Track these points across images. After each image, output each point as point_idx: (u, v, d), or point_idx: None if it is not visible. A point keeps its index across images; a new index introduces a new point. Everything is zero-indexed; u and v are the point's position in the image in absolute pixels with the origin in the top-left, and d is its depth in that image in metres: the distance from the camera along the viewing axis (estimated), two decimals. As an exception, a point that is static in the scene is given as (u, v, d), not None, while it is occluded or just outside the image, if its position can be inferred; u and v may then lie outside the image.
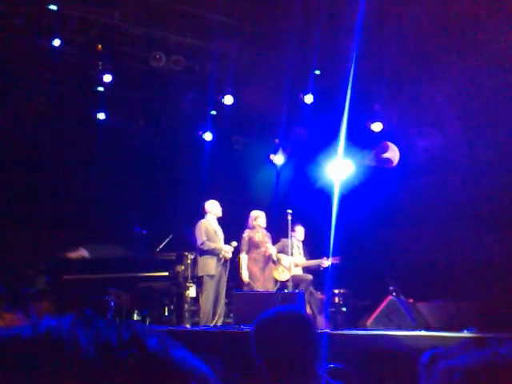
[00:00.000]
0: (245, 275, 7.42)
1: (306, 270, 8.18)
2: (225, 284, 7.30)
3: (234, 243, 7.34)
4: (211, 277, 7.15)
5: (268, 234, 7.67)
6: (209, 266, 7.18)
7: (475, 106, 7.67)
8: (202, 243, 7.17)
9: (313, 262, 8.18)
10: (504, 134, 7.28)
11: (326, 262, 8.00)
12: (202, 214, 7.57)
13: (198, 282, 7.49)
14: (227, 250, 7.24)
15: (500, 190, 6.89)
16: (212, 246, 7.20)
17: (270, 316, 2.04)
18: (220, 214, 7.49)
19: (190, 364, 0.62)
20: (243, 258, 7.52)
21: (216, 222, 7.47)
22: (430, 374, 0.95)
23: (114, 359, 0.58)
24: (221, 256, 7.25)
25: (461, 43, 7.25)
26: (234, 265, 7.58)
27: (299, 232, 8.18)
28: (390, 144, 8.62)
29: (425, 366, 1.25)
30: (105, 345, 0.59)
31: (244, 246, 7.56)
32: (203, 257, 7.23)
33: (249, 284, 7.42)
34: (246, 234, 7.60)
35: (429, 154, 8.30)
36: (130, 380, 0.57)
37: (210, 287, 7.11)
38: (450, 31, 7.15)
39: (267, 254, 7.58)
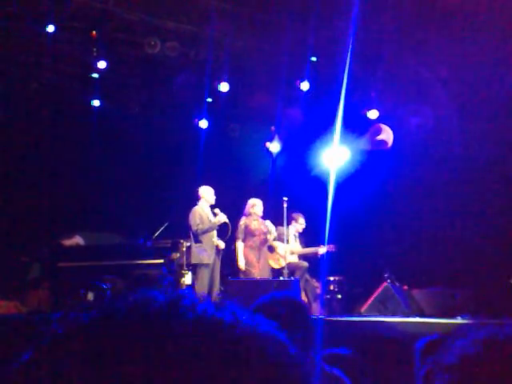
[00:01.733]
0: (241, 263, 7.43)
1: (302, 257, 8.21)
2: (218, 271, 7.32)
3: (217, 210, 7.34)
4: (206, 265, 7.16)
5: (264, 222, 7.65)
6: (203, 255, 7.18)
7: (469, 88, 7.66)
8: (197, 228, 7.18)
9: (309, 250, 8.20)
10: (497, 113, 7.28)
11: (322, 250, 8.02)
12: (196, 201, 7.56)
13: (194, 269, 7.51)
14: (220, 218, 7.25)
15: (495, 172, 6.90)
16: (205, 227, 7.22)
17: (264, 302, 2.05)
18: (213, 202, 7.48)
19: (264, 330, 0.63)
20: (239, 245, 7.53)
21: (209, 209, 7.46)
22: (428, 359, 0.95)
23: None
24: (214, 243, 7.27)
25: (456, 26, 7.22)
26: (228, 252, 7.59)
27: (301, 223, 8.18)
28: (383, 126, 8.60)
29: (419, 351, 1.25)
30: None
31: (240, 234, 7.56)
32: (197, 245, 7.23)
33: (245, 272, 7.44)
34: (243, 221, 7.61)
35: (422, 134, 8.28)
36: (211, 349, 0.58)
37: (204, 275, 7.13)
38: (446, 15, 7.11)
39: (262, 239, 7.60)
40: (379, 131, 8.58)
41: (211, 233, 7.31)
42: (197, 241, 7.25)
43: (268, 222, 7.67)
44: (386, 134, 8.52)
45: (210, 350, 0.58)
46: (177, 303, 0.62)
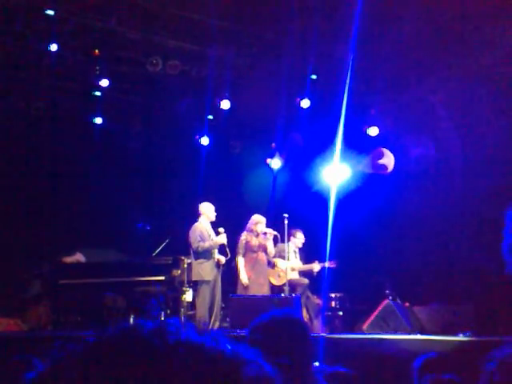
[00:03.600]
0: (244, 278, 7.39)
1: (303, 273, 8.19)
2: (220, 288, 7.31)
3: (221, 229, 7.34)
4: (207, 282, 7.15)
5: (265, 239, 7.62)
6: (204, 271, 7.18)
7: (470, 115, 7.70)
8: (197, 246, 7.18)
9: (305, 267, 8.18)
10: (498, 142, 7.31)
11: (317, 267, 8.02)
12: (197, 217, 7.57)
13: (195, 286, 7.50)
14: (221, 239, 7.24)
15: (494, 196, 6.92)
16: (206, 245, 7.21)
17: (264, 320, 2.05)
18: (213, 218, 7.48)
19: (242, 355, 0.69)
20: (240, 260, 7.51)
21: (209, 225, 7.46)
22: (427, 377, 0.97)
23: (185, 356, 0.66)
24: (215, 260, 7.27)
25: (457, 51, 7.28)
26: (228, 268, 7.58)
27: (300, 239, 8.18)
28: (385, 150, 8.66)
29: (417, 370, 1.27)
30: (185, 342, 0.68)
31: (241, 249, 7.55)
32: (198, 261, 7.22)
33: (244, 288, 7.41)
34: (244, 236, 7.59)
35: (423, 161, 8.33)
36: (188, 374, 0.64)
37: (205, 292, 7.11)
38: (447, 38, 7.18)
39: (262, 255, 7.58)
40: (381, 155, 8.63)
41: (213, 250, 7.30)
42: (197, 257, 7.24)
43: (270, 230, 7.62)
44: (388, 159, 8.58)
45: (189, 372, 0.63)
46: (162, 330, 0.68)
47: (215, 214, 7.52)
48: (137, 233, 9.56)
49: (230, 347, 0.69)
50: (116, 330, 0.69)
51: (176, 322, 0.70)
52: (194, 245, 7.20)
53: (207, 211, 7.48)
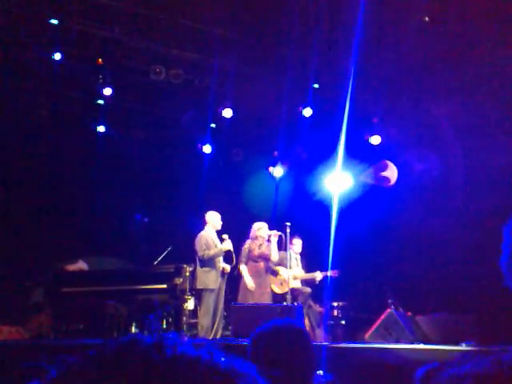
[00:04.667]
0: (249, 282, 7.38)
1: (305, 282, 8.17)
2: (223, 296, 7.30)
3: (225, 236, 7.35)
4: (211, 290, 7.15)
5: (269, 245, 7.60)
6: (209, 280, 7.17)
7: (474, 129, 7.71)
8: (203, 254, 7.19)
9: (308, 276, 8.17)
10: (502, 155, 7.31)
11: (319, 276, 8.00)
12: (201, 226, 7.58)
13: (197, 294, 7.48)
14: (227, 245, 7.25)
15: (496, 209, 6.92)
16: (211, 252, 7.21)
17: (266, 330, 2.05)
18: (219, 227, 7.48)
19: (237, 368, 0.71)
20: (243, 268, 7.50)
21: (215, 234, 7.47)
22: None
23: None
24: (220, 268, 7.26)
25: (460, 60, 7.30)
26: (230, 276, 7.58)
27: (297, 244, 8.17)
28: (388, 163, 8.67)
29: (419, 380, 1.26)
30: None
31: (243, 258, 7.54)
32: (203, 269, 7.22)
33: (246, 296, 7.40)
34: (247, 245, 7.59)
35: (426, 175, 8.34)
36: None
37: (209, 300, 7.10)
38: (453, 50, 7.19)
39: (264, 264, 7.57)
40: (385, 167, 8.65)
41: (218, 259, 7.31)
42: (203, 265, 7.24)
43: (274, 232, 7.59)
44: (391, 172, 8.59)
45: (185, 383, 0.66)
46: (160, 344, 0.71)
47: (221, 222, 7.52)
48: (138, 240, 9.57)
49: (224, 360, 0.71)
50: (116, 344, 0.71)
51: (173, 336, 0.73)
52: (200, 253, 7.20)
53: (213, 220, 7.49)
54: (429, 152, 8.39)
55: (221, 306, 7.24)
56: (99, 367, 0.68)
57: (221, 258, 7.35)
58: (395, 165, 8.65)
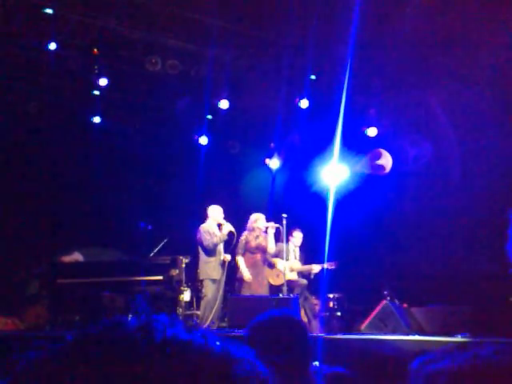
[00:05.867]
0: (246, 273, 7.40)
1: (301, 274, 8.19)
2: (223, 287, 7.34)
3: (223, 221, 7.37)
4: (213, 280, 7.18)
5: (266, 236, 7.60)
6: (211, 270, 7.22)
7: (469, 116, 7.71)
8: (208, 243, 7.21)
9: (305, 268, 8.18)
10: (496, 142, 7.32)
11: (316, 268, 8.02)
12: (197, 217, 7.59)
13: (198, 285, 7.52)
14: (228, 227, 7.27)
15: (492, 197, 6.93)
16: (215, 239, 7.25)
17: (262, 320, 2.05)
18: (220, 221, 7.47)
19: (233, 353, 0.66)
20: (240, 259, 7.53)
21: (216, 227, 7.47)
22: (417, 379, 0.96)
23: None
24: (221, 259, 7.31)
25: (457, 52, 7.29)
26: (228, 268, 7.58)
27: (297, 237, 8.18)
28: (382, 151, 8.67)
29: (415, 371, 1.26)
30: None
31: (240, 249, 7.56)
32: (205, 260, 7.24)
33: (242, 288, 7.43)
34: (244, 236, 7.60)
35: (421, 162, 8.34)
36: (178, 371, 0.62)
37: (211, 291, 7.15)
38: (447, 39, 7.18)
39: (261, 255, 7.58)
40: (379, 156, 8.64)
41: (219, 248, 7.34)
42: (206, 256, 7.27)
43: (271, 224, 7.59)
44: (385, 160, 8.58)
45: (176, 369, 0.61)
46: (147, 327, 0.65)
47: (223, 216, 7.50)
48: (135, 232, 9.54)
49: (219, 345, 0.67)
50: (99, 327, 0.66)
51: (163, 319, 0.68)
52: (205, 242, 7.23)
53: (214, 214, 7.48)
54: (423, 137, 8.39)
55: (220, 297, 7.27)
56: (79, 354, 0.63)
57: (222, 249, 7.37)
58: (389, 152, 8.65)
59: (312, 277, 8.09)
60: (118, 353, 0.62)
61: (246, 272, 7.41)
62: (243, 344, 0.71)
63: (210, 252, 7.25)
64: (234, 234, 7.35)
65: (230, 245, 7.41)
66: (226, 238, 7.32)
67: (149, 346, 0.63)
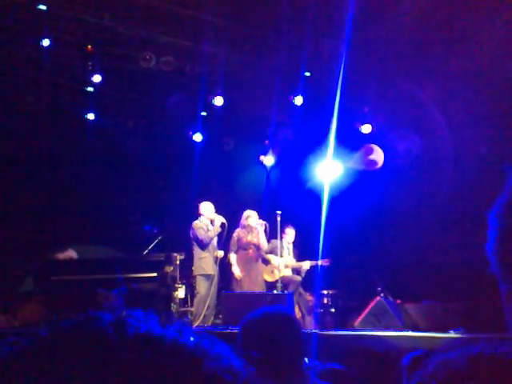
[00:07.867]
0: (236, 271, 7.45)
1: (295, 271, 8.21)
2: (216, 284, 7.36)
3: (215, 214, 7.44)
4: (207, 277, 7.20)
5: (259, 233, 7.62)
6: (207, 266, 7.24)
7: (461, 108, 7.73)
8: (203, 238, 7.26)
9: (297, 264, 8.21)
10: (489, 139, 7.34)
11: (306, 265, 8.06)
12: (191, 214, 7.59)
13: (191, 282, 7.54)
14: (219, 219, 7.34)
15: (485, 191, 6.95)
16: (210, 234, 7.32)
17: (256, 317, 2.06)
18: (212, 217, 7.49)
19: (206, 348, 0.66)
20: (232, 256, 7.57)
21: (209, 223, 7.49)
22: (416, 373, 0.97)
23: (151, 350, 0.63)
24: (215, 255, 7.33)
25: (450, 48, 7.30)
26: (221, 264, 7.61)
27: (290, 234, 8.20)
28: (374, 146, 8.69)
29: (406, 367, 1.27)
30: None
31: (233, 246, 7.60)
32: (200, 256, 7.27)
33: (236, 284, 7.46)
34: (236, 233, 7.63)
35: (413, 156, 8.36)
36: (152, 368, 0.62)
37: (204, 287, 7.17)
38: (440, 35, 7.19)
39: (254, 252, 7.61)
40: (370, 151, 8.67)
41: (213, 243, 7.39)
42: (200, 252, 7.30)
43: (259, 221, 7.62)
44: (377, 155, 8.61)
45: (146, 366, 0.61)
46: (121, 322, 0.65)
47: (214, 212, 7.53)
48: (129, 229, 9.53)
49: (193, 340, 0.66)
50: (69, 323, 0.66)
51: (138, 314, 0.68)
52: (200, 237, 7.29)
53: (206, 212, 7.51)
54: (415, 132, 8.41)
55: (214, 294, 7.28)
56: (48, 348, 0.62)
57: (215, 245, 7.40)
58: (382, 148, 8.68)
59: (303, 274, 8.12)
60: (88, 347, 0.61)
61: (236, 270, 7.46)
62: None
63: (204, 246, 7.29)
64: (225, 225, 7.39)
65: (222, 237, 7.44)
66: (219, 230, 7.38)
67: (121, 341, 0.62)
